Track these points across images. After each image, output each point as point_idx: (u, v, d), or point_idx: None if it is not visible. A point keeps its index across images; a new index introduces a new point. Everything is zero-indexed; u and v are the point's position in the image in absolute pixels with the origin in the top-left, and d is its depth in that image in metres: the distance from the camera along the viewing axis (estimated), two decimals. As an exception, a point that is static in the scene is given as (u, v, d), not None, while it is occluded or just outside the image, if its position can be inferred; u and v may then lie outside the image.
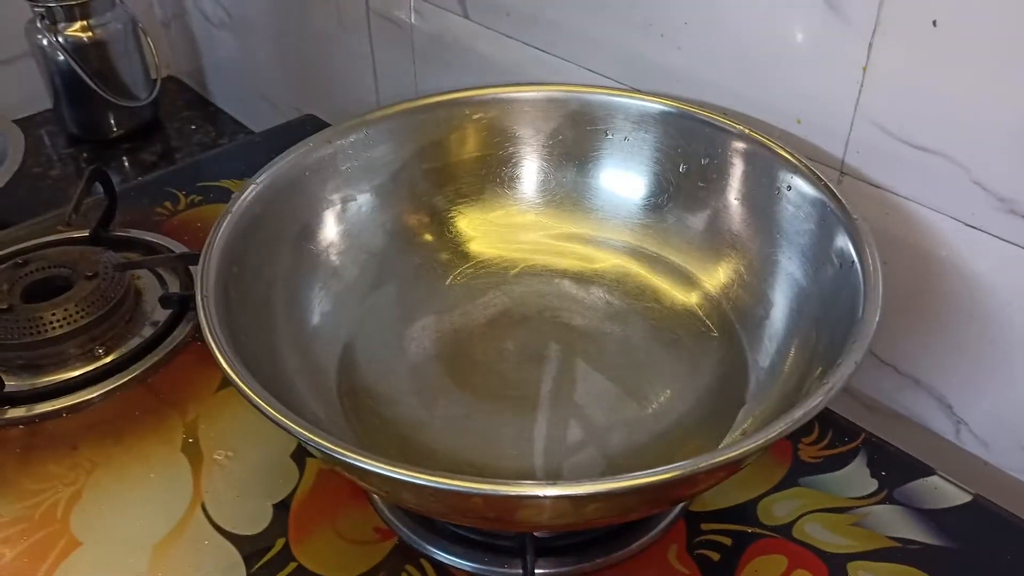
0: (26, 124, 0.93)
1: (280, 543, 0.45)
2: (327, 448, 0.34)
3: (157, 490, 0.48)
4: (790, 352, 0.46)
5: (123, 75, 0.93)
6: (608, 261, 0.56)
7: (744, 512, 0.46)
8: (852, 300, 0.41)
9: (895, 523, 0.45)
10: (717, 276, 0.52)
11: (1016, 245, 0.45)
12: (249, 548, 0.45)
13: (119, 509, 0.47)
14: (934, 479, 0.47)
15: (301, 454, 0.49)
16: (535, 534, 0.42)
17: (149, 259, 0.64)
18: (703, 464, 0.33)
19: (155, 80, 0.97)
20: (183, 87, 1.11)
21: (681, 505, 0.46)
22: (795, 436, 0.50)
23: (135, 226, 0.68)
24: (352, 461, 0.34)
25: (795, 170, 0.48)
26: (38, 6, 0.88)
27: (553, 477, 0.44)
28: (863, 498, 0.46)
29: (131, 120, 0.97)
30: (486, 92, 0.56)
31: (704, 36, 0.53)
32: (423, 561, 0.44)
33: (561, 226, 0.58)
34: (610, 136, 0.56)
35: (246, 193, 0.48)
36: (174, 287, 0.62)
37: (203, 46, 1.06)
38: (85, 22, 0.89)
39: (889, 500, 0.46)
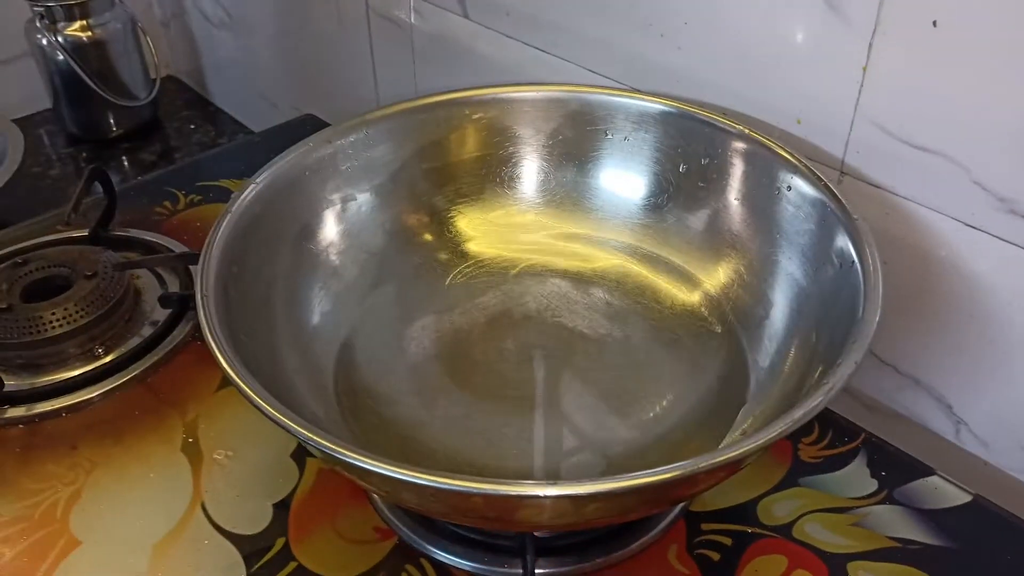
0: (25, 124, 0.93)
1: (280, 543, 0.45)
2: (327, 448, 0.34)
3: (157, 490, 0.48)
4: (790, 352, 0.46)
5: (122, 75, 0.93)
6: (608, 261, 0.56)
7: (744, 512, 0.46)
8: (852, 300, 0.41)
9: (895, 523, 0.45)
10: (717, 276, 0.52)
11: (1016, 245, 0.45)
12: (249, 548, 0.45)
13: (119, 509, 0.47)
14: (934, 479, 0.47)
15: (301, 454, 0.49)
16: (535, 534, 0.42)
17: (148, 259, 0.64)
18: (703, 464, 0.33)
19: (154, 80, 0.97)
20: (182, 87, 1.11)
21: (681, 505, 0.46)
22: (795, 436, 0.50)
23: (134, 226, 0.68)
24: (352, 461, 0.34)
25: (795, 170, 0.48)
26: (37, 5, 0.88)
27: (553, 477, 0.44)
28: (863, 498, 0.46)
29: (130, 120, 0.97)
30: (486, 92, 0.56)
31: (704, 36, 0.53)
32: (423, 561, 0.44)
33: (561, 226, 0.58)
34: (610, 136, 0.56)
35: (246, 193, 0.48)
36: (174, 287, 0.62)
37: (203, 46, 1.06)
38: (84, 22, 0.89)
39: (889, 500, 0.46)
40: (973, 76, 0.43)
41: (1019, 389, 0.48)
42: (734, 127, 0.51)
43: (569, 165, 0.57)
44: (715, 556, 0.44)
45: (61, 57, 0.88)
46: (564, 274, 0.56)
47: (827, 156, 0.50)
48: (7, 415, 0.52)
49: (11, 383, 0.54)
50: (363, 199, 0.55)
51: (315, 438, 0.34)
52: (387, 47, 0.78)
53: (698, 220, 0.54)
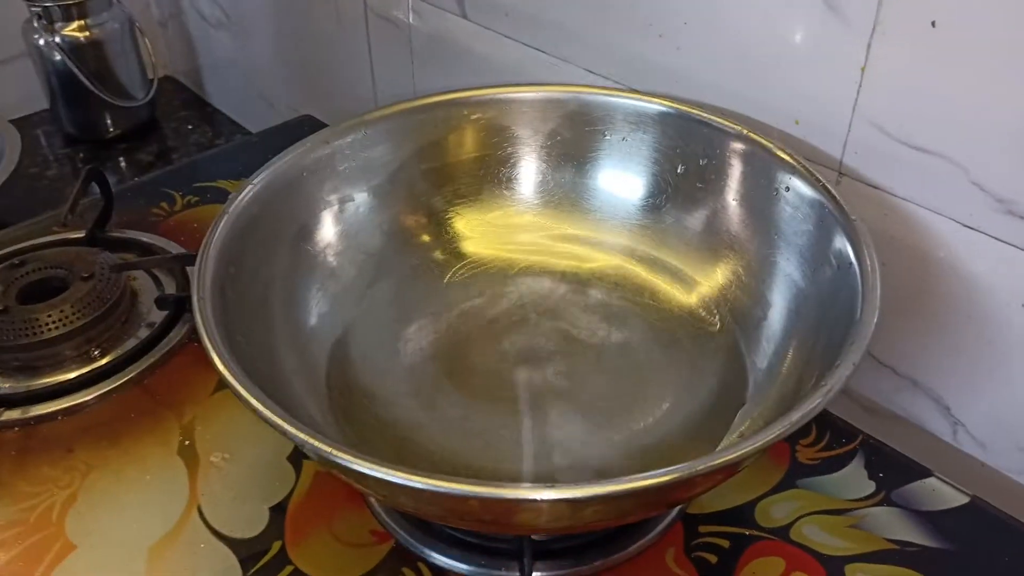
0: (22, 124, 0.93)
1: (276, 546, 0.45)
2: (323, 451, 0.34)
3: (153, 493, 0.48)
4: (788, 353, 0.46)
5: (120, 75, 0.93)
6: (606, 262, 0.56)
7: (742, 514, 0.46)
8: (850, 301, 0.41)
9: (893, 525, 0.45)
10: (715, 277, 0.52)
11: (1014, 246, 0.45)
12: (245, 551, 0.45)
13: (115, 512, 0.47)
14: (932, 481, 0.47)
15: (297, 456, 0.49)
16: (533, 537, 0.42)
17: (145, 260, 0.64)
18: (700, 467, 0.33)
19: (152, 80, 0.97)
20: (180, 87, 1.11)
21: (679, 507, 0.46)
22: (793, 438, 0.50)
23: (131, 227, 0.68)
24: (348, 464, 0.33)
25: (793, 171, 0.48)
26: (35, 6, 0.87)
27: (550, 480, 0.44)
28: (861, 500, 0.46)
29: (128, 120, 0.96)
30: (484, 92, 0.56)
31: (703, 36, 0.53)
32: (420, 564, 0.44)
33: (559, 227, 0.58)
34: (608, 136, 0.55)
35: (243, 194, 0.48)
36: (170, 288, 0.62)
37: (200, 46, 1.06)
38: (82, 22, 0.89)
39: (887, 502, 0.46)
40: (972, 76, 0.43)
41: (1017, 390, 0.48)
42: (732, 128, 0.51)
43: (567, 166, 0.57)
44: (713, 559, 0.44)
45: (58, 57, 0.88)
46: (562, 275, 0.56)
47: (825, 157, 0.50)
48: (3, 418, 0.52)
49: (7, 386, 0.54)
50: (361, 200, 0.55)
51: (311, 441, 0.34)
52: (385, 47, 0.77)
53: (696, 221, 0.54)
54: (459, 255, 0.57)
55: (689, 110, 0.53)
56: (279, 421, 0.35)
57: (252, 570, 0.44)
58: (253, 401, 0.36)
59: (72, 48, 0.89)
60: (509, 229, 0.58)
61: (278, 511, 0.47)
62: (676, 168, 0.54)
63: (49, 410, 0.53)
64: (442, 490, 0.32)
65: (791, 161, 0.48)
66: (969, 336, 0.49)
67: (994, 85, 0.42)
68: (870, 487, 0.47)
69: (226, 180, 0.74)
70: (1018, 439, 0.49)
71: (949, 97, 0.44)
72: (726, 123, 0.51)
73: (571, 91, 0.56)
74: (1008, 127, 0.42)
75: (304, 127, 0.81)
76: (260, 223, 0.49)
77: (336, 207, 0.54)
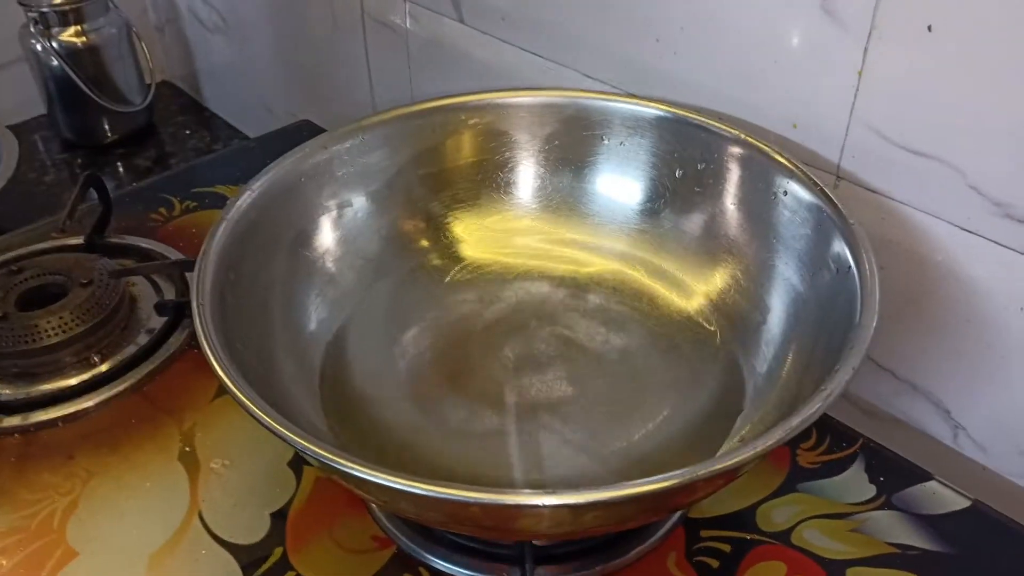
0: (20, 130, 0.93)
1: (278, 552, 0.45)
2: (323, 456, 0.34)
3: (154, 499, 0.48)
4: (787, 358, 0.46)
5: (117, 80, 0.93)
6: (604, 266, 0.56)
7: (743, 519, 0.46)
8: (849, 305, 0.41)
9: (893, 529, 0.45)
10: (714, 282, 0.52)
11: (1012, 249, 0.45)
12: (247, 557, 0.45)
13: (116, 519, 0.47)
14: (932, 484, 0.47)
15: (298, 463, 0.49)
16: (534, 542, 0.42)
17: (144, 266, 0.63)
18: (701, 472, 0.33)
19: (149, 85, 0.97)
20: (177, 92, 1.11)
21: (680, 512, 0.46)
22: (793, 442, 0.49)
23: (130, 232, 0.68)
24: (349, 470, 0.33)
25: (791, 175, 0.48)
26: (32, 11, 0.87)
27: (551, 485, 0.44)
28: (861, 504, 0.46)
29: (125, 125, 0.96)
30: (482, 97, 0.56)
31: (700, 41, 0.53)
32: (421, 570, 0.44)
33: (557, 231, 0.58)
34: (606, 141, 0.56)
35: (241, 199, 0.48)
36: (169, 294, 0.62)
37: (197, 51, 1.06)
38: (79, 27, 0.89)
39: (887, 506, 0.46)
40: (968, 80, 0.43)
41: (1017, 393, 0.48)
42: (730, 132, 0.51)
43: (565, 170, 0.57)
44: (714, 563, 0.44)
45: (55, 62, 0.88)
46: (560, 280, 0.56)
47: (823, 161, 0.50)
48: (3, 425, 0.52)
49: (6, 392, 0.54)
50: (359, 205, 0.55)
51: (311, 447, 0.34)
52: (383, 52, 0.77)
53: (694, 225, 0.54)
54: (457, 260, 0.57)
55: (687, 114, 0.53)
56: (279, 427, 0.35)
57: (253, 577, 0.44)
58: (253, 407, 0.36)
59: (69, 53, 0.89)
60: (507, 233, 0.58)
61: (279, 517, 0.47)
62: (674, 172, 0.54)
63: (49, 417, 0.53)
64: (443, 496, 0.32)
65: (789, 165, 0.48)
66: (968, 339, 0.49)
67: (991, 88, 0.42)
68: (871, 491, 0.47)
69: (224, 185, 0.74)
70: (1019, 442, 0.49)
71: (946, 101, 0.44)
72: (724, 127, 0.51)
73: (569, 96, 0.56)
74: (1005, 130, 0.42)
75: (302, 132, 0.81)
76: (259, 228, 0.49)
77: (334, 212, 0.54)
